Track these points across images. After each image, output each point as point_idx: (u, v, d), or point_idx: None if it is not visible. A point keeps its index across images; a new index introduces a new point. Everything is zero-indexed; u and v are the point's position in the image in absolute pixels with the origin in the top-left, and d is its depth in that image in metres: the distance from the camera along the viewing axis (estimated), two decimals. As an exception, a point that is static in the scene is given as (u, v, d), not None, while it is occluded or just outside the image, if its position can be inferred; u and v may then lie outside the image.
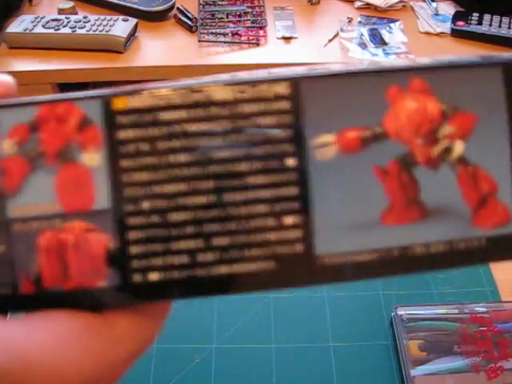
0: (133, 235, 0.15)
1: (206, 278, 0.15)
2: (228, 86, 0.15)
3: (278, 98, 0.15)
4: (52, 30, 0.78)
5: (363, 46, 0.83)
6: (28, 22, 0.79)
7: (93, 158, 0.15)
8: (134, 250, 0.15)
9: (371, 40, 0.83)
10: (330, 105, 0.15)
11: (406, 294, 0.44)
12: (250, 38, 0.83)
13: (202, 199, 0.15)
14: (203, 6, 0.87)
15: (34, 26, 0.78)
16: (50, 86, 0.78)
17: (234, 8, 0.88)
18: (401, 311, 0.41)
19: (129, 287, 0.15)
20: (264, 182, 0.15)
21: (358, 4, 0.91)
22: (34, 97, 0.15)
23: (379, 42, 0.83)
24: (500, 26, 0.82)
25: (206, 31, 0.83)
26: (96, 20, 0.79)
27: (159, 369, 0.39)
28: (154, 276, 0.15)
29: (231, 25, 0.85)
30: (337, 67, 0.15)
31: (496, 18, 0.83)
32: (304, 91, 0.15)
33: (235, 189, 0.15)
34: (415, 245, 0.15)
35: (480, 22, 0.83)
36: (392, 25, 0.86)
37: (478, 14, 0.84)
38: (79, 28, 0.78)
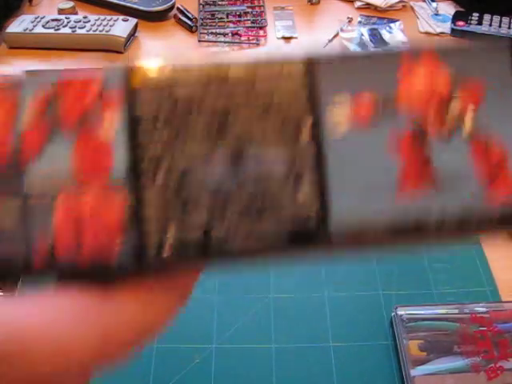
0: (149, 202, 0.15)
1: (223, 240, 0.15)
2: (243, 64, 0.16)
3: (293, 73, 0.16)
4: (52, 30, 0.78)
5: (363, 45, 0.83)
6: (28, 21, 0.79)
7: (111, 125, 0.15)
8: (150, 217, 0.15)
9: (371, 40, 0.83)
10: (343, 78, 0.16)
11: (405, 293, 0.44)
12: (250, 37, 0.83)
13: (219, 162, 0.15)
14: (203, 6, 0.87)
15: (34, 26, 0.78)
16: (50, 86, 0.78)
17: (234, 8, 0.88)
18: (401, 311, 0.41)
19: (146, 252, 0.15)
20: (280, 147, 0.15)
21: (357, 4, 0.91)
22: (56, 67, 0.16)
23: (379, 41, 0.83)
24: (500, 26, 0.82)
25: (206, 31, 0.83)
26: (96, 20, 0.79)
27: (159, 369, 0.39)
28: (171, 239, 0.15)
29: (231, 25, 0.85)
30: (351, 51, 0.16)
31: (496, 18, 0.83)
32: (319, 67, 0.16)
33: (252, 152, 0.15)
34: (430, 213, 0.15)
35: (480, 22, 0.83)
36: (392, 25, 0.86)
37: (478, 14, 0.84)
38: (79, 28, 0.78)
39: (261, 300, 0.44)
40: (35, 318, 0.13)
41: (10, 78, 0.16)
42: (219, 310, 0.43)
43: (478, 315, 0.40)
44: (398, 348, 0.39)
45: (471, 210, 0.15)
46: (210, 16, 0.86)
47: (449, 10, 0.89)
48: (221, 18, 0.85)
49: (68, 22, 0.79)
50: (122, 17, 0.80)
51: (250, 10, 0.88)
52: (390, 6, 0.90)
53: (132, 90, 0.15)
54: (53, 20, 0.79)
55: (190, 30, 0.84)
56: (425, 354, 0.38)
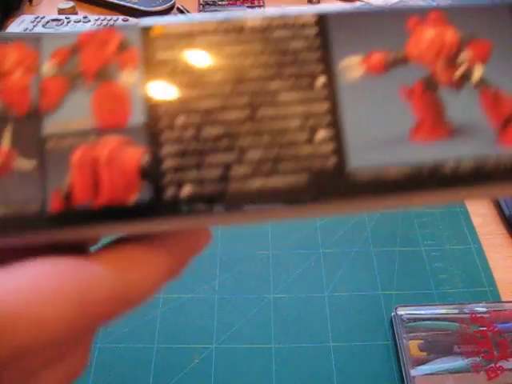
0: (167, 149, 0.15)
1: (239, 191, 0.15)
2: (259, 18, 0.16)
3: (307, 25, 0.16)
4: (52, 30, 0.78)
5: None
6: (28, 22, 0.79)
7: (130, 77, 0.16)
8: (168, 163, 0.15)
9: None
10: (355, 32, 0.16)
11: (405, 293, 0.44)
12: (250, 38, 0.83)
13: (235, 114, 0.15)
14: (203, 6, 0.87)
15: (34, 26, 0.78)
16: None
17: (234, 8, 0.88)
18: (401, 311, 0.41)
19: (162, 201, 0.15)
20: (295, 99, 0.16)
21: (358, 4, 0.91)
22: (77, 28, 0.16)
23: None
24: None
25: (206, 31, 0.83)
26: (96, 20, 0.79)
27: (159, 369, 0.39)
28: (187, 189, 0.15)
29: (231, 25, 0.85)
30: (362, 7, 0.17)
31: None
32: (331, 21, 0.16)
33: (268, 104, 0.15)
34: (445, 161, 0.15)
35: None
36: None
37: None
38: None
39: (261, 300, 0.44)
40: (9, 285, 0.13)
41: (31, 34, 0.16)
42: (219, 310, 0.43)
43: (478, 315, 0.40)
44: (398, 348, 0.39)
45: (486, 159, 0.15)
46: (210, 16, 0.86)
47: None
48: (221, 18, 0.86)
49: (68, 22, 0.79)
50: (122, 17, 0.80)
51: (250, 10, 0.88)
52: (390, 6, 0.90)
53: (150, 40, 0.16)
54: (53, 20, 0.79)
55: (190, 30, 0.84)
56: (425, 354, 0.38)
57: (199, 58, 0.16)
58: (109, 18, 0.80)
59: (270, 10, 0.16)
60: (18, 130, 0.15)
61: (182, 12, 0.86)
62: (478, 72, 0.16)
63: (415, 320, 0.40)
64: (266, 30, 0.16)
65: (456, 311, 0.40)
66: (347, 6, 0.17)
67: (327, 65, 0.16)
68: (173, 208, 0.15)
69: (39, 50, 0.16)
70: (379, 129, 0.16)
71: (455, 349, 0.38)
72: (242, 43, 0.16)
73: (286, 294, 0.44)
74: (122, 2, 0.85)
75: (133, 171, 0.15)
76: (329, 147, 0.15)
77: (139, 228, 0.15)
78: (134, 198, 0.15)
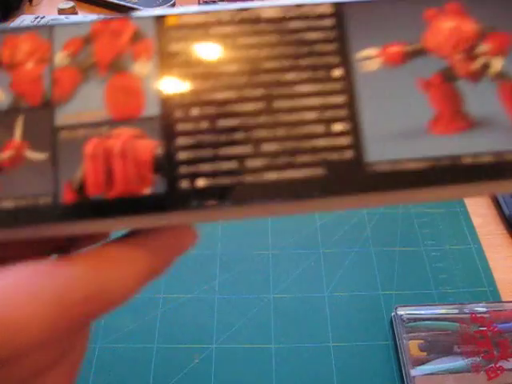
0: (181, 141, 0.15)
1: (254, 184, 0.15)
2: (274, 8, 0.16)
3: (323, 16, 0.16)
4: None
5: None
6: (28, 22, 0.79)
7: (144, 68, 0.15)
8: (182, 155, 0.15)
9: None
10: (372, 23, 0.16)
11: (405, 293, 0.44)
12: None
13: (251, 106, 0.15)
14: (203, 6, 0.87)
15: (34, 26, 0.78)
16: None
17: (234, 8, 0.88)
18: (401, 311, 0.41)
19: (175, 194, 0.15)
20: (312, 91, 0.15)
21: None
22: (91, 17, 0.16)
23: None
24: None
25: (206, 31, 0.83)
26: (96, 20, 0.79)
27: (159, 369, 0.39)
28: (201, 182, 0.15)
29: (231, 25, 0.85)
30: None
31: None
32: (347, 12, 0.16)
33: (284, 96, 0.15)
34: (463, 154, 0.15)
35: None
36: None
37: None
38: (79, 28, 0.78)
39: (261, 300, 0.44)
40: None
41: (43, 24, 0.16)
42: (219, 310, 0.43)
43: (478, 315, 0.40)
44: (398, 348, 0.39)
45: (505, 153, 0.15)
46: (210, 16, 0.86)
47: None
48: (221, 18, 0.85)
49: (68, 22, 0.79)
50: (122, 17, 0.80)
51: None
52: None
53: (164, 31, 0.16)
54: (53, 20, 0.79)
55: (190, 30, 0.84)
56: (425, 354, 0.38)
57: (214, 48, 0.16)
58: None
59: (286, 0, 0.16)
60: (30, 121, 0.15)
61: (182, 12, 0.86)
62: (497, 64, 0.16)
63: (415, 320, 0.40)
64: (281, 20, 0.16)
65: (456, 311, 0.40)
66: None
67: (344, 56, 0.16)
68: (186, 201, 0.15)
69: (52, 40, 0.16)
70: (397, 121, 0.15)
71: (455, 349, 0.38)
72: (258, 34, 0.16)
73: (285, 294, 0.44)
74: (122, 2, 0.85)
75: (146, 163, 0.15)
76: (346, 140, 0.15)
77: (152, 221, 0.15)
78: (147, 190, 0.15)
